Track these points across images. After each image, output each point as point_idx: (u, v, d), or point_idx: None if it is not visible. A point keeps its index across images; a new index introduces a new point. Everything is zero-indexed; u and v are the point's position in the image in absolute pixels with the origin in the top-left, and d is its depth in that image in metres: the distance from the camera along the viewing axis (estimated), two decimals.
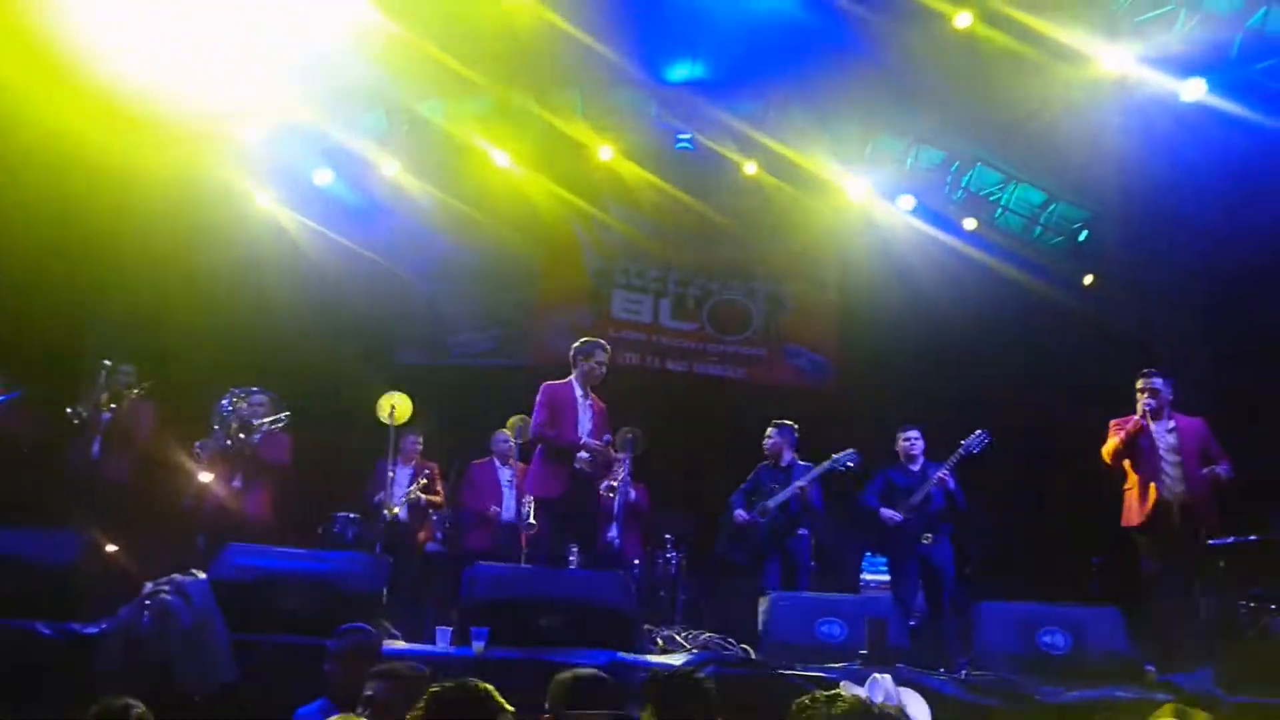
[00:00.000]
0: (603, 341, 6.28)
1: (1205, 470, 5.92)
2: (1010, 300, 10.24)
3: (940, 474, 6.62)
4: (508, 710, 2.60)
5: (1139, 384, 6.09)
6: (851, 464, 6.90)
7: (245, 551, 5.13)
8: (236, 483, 6.55)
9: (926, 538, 6.68)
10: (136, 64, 7.19)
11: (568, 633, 4.97)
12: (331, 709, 3.66)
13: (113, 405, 6.82)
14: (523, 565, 5.80)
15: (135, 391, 6.97)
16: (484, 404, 9.28)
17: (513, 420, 7.75)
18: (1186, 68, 7.87)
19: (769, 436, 7.17)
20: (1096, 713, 4.43)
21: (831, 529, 8.29)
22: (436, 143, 9.87)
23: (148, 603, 4.45)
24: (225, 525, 6.21)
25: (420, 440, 7.98)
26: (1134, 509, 6.00)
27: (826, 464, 6.87)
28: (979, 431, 6.68)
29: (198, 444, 6.58)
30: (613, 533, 7.63)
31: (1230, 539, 7.20)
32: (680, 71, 9.42)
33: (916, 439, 6.91)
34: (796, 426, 7.22)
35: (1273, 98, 7.77)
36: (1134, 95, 8.15)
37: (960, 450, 6.65)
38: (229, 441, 6.41)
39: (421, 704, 2.56)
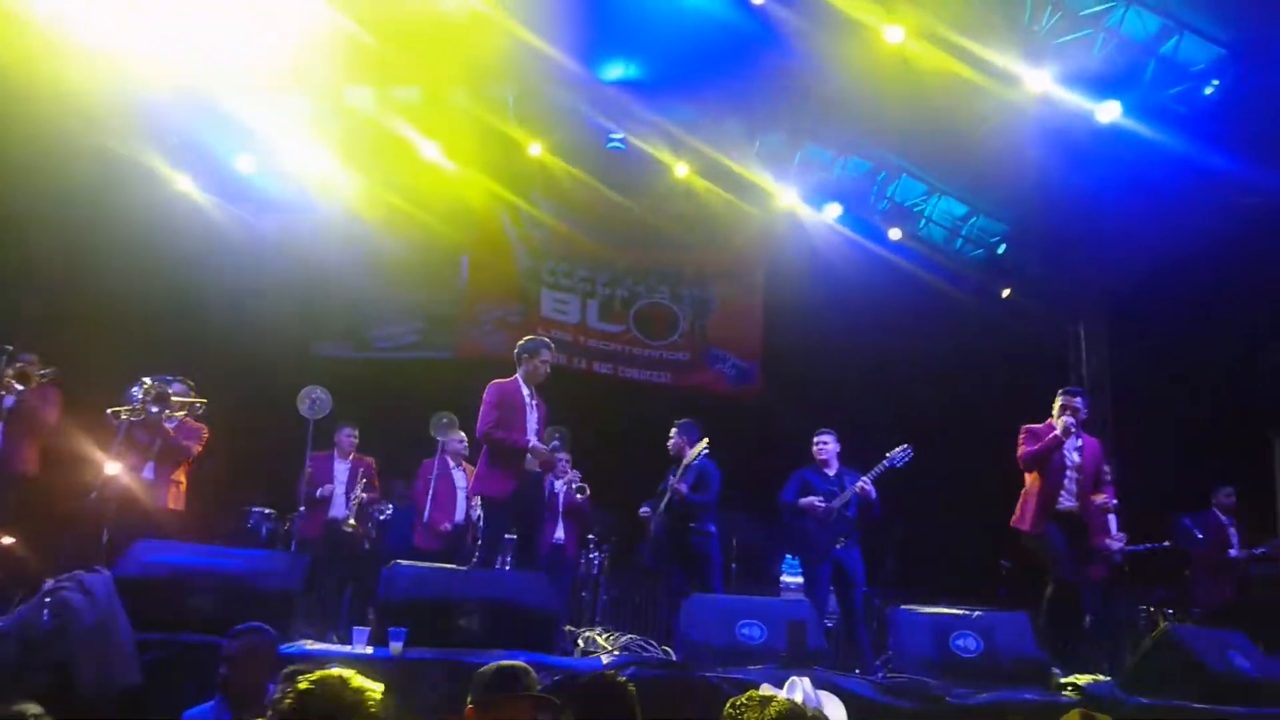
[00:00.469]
0: (548, 340, 6.22)
1: (1099, 501, 6.32)
2: (932, 309, 10.49)
3: (862, 483, 6.70)
4: (375, 696, 2.54)
5: (1061, 400, 6.26)
6: (902, 462, 6.88)
7: (154, 548, 4.94)
8: (147, 474, 6.30)
9: (840, 541, 6.75)
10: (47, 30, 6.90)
11: (487, 634, 4.90)
12: (224, 711, 3.55)
13: (19, 387, 6.47)
14: (443, 565, 5.70)
15: (41, 374, 6.64)
16: (406, 397, 9.14)
17: (435, 417, 7.64)
18: (1103, 90, 8.16)
19: (670, 436, 7.20)
20: (1006, 714, 4.54)
21: (752, 530, 8.39)
22: (364, 132, 9.68)
23: (48, 600, 4.24)
24: (133, 519, 5.96)
25: (355, 433, 7.78)
26: (1031, 515, 6.20)
27: (881, 465, 6.84)
28: (904, 446, 6.78)
29: (110, 410, 6.23)
30: (559, 532, 7.59)
31: (1130, 547, 7.50)
32: (614, 71, 9.41)
33: (828, 443, 6.97)
34: (697, 423, 7.25)
35: (1182, 122, 8.10)
36: (1053, 115, 8.41)
37: (884, 463, 6.74)
38: (140, 419, 6.12)
39: (289, 696, 2.47)
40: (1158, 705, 4.97)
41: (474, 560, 6.10)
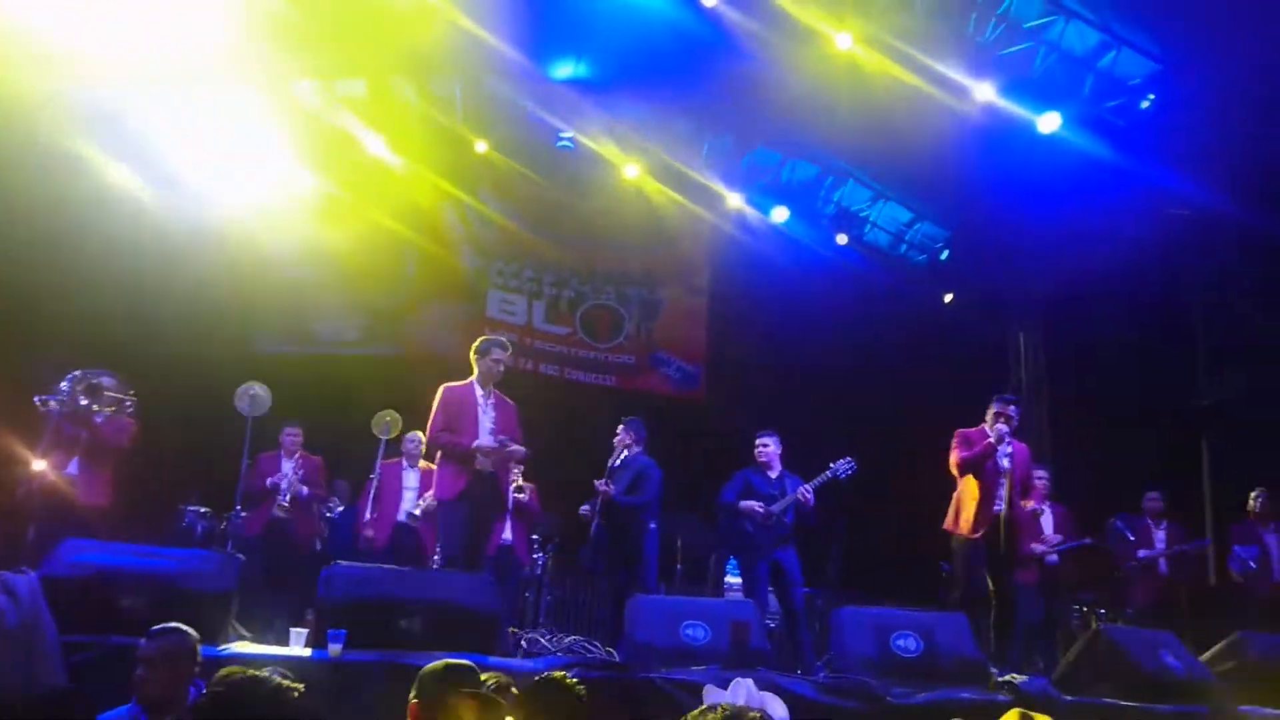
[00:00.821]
0: (502, 339, 6.18)
1: (1029, 507, 6.54)
2: (877, 313, 10.61)
3: (802, 491, 6.75)
4: (291, 696, 2.51)
5: (996, 408, 6.39)
6: (846, 474, 6.93)
7: (82, 547, 4.78)
8: (73, 469, 6.09)
9: (778, 544, 6.79)
10: None
11: (428, 635, 4.83)
12: (140, 715, 3.44)
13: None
14: (384, 565, 5.61)
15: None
16: (352, 395, 8.99)
17: (378, 416, 7.53)
18: (1044, 101, 8.33)
19: (617, 434, 7.19)
20: (944, 713, 4.60)
21: (696, 530, 8.40)
22: (308, 125, 9.51)
23: None
24: (59, 516, 5.76)
25: (298, 432, 7.61)
26: (968, 519, 6.33)
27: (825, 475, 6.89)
28: (848, 459, 6.83)
29: (38, 398, 6.01)
30: (506, 533, 7.52)
31: (1059, 547, 7.66)
32: (563, 70, 9.36)
33: (769, 445, 7.00)
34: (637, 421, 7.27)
35: (1118, 134, 8.31)
36: (996, 124, 8.57)
37: (827, 473, 6.80)
38: (68, 411, 5.92)
39: (205, 696, 2.44)
40: (1090, 703, 5.09)
41: (433, 562, 6.03)
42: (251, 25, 7.55)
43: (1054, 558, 7.43)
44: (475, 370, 6.02)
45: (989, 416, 6.40)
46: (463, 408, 5.88)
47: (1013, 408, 6.39)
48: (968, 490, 6.38)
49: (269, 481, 7.29)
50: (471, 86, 9.65)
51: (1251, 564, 7.64)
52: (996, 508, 6.30)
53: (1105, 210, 8.49)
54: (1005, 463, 6.35)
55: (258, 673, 2.59)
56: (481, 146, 9.87)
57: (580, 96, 9.72)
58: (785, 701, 4.23)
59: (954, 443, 6.48)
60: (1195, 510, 8.54)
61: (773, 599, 7.19)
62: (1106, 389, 9.34)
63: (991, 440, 6.26)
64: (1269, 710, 5.08)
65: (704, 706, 2.67)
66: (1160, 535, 7.81)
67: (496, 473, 5.96)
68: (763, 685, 4.23)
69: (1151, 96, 8.31)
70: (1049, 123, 8.34)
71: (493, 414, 5.94)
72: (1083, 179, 8.48)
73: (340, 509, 7.81)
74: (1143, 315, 9.05)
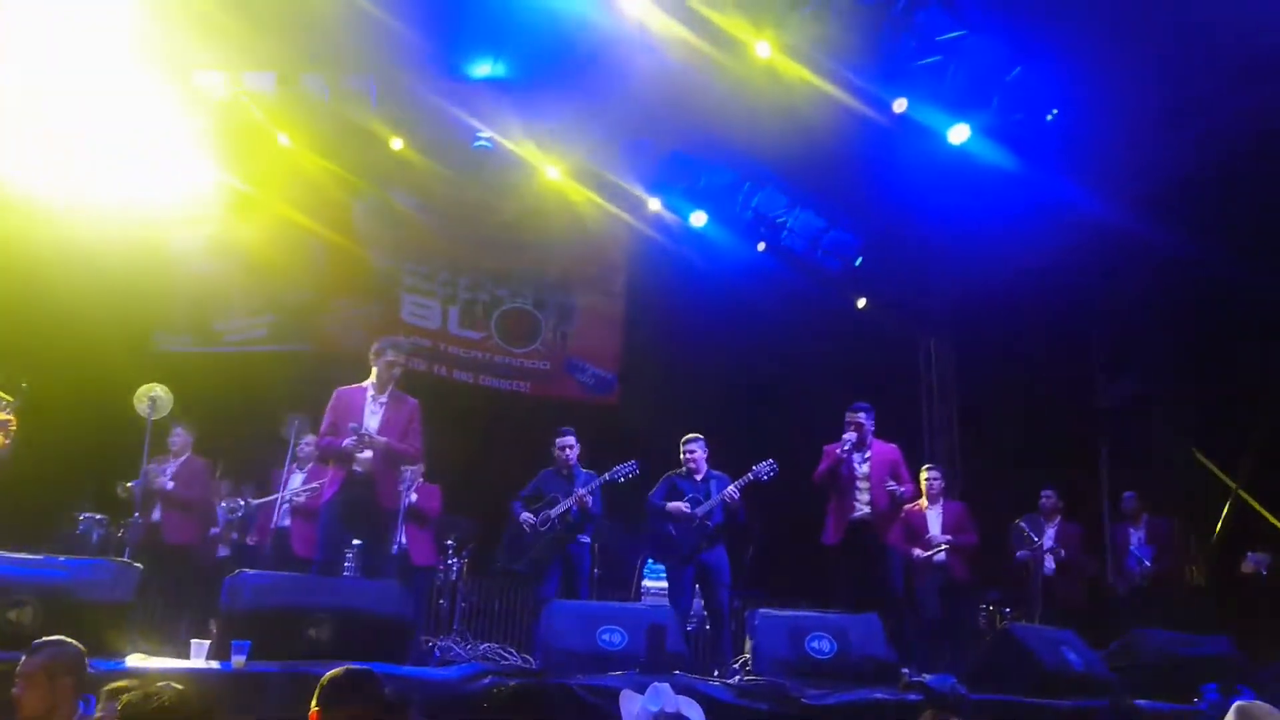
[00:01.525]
0: (397, 339, 6.09)
1: (886, 487, 6.63)
2: (792, 319, 10.74)
3: (727, 492, 6.79)
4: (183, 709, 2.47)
5: (846, 417, 6.73)
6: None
7: None
8: None
9: (704, 546, 6.83)
10: None
11: (337, 644, 4.70)
12: None
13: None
14: (292, 573, 5.45)
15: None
16: (259, 395, 8.72)
17: (289, 419, 7.32)
18: (954, 113, 8.54)
19: (566, 445, 7.14)
20: (858, 714, 4.66)
21: (616, 536, 8.38)
22: (212, 114, 9.18)
23: None
24: None
25: (183, 432, 7.31)
26: (830, 528, 6.70)
27: (745, 479, 6.90)
28: (770, 461, 6.91)
29: None
30: (398, 535, 7.34)
31: (946, 546, 7.84)
32: (481, 68, 9.22)
33: (695, 450, 7.05)
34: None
35: (1024, 146, 8.57)
36: (909, 134, 8.75)
37: (749, 475, 6.87)
38: None
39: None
40: (996, 700, 5.22)
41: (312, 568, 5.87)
42: (154, 11, 7.26)
43: (941, 556, 7.56)
44: (373, 369, 5.91)
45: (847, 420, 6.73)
46: (349, 409, 5.76)
47: (862, 414, 6.73)
48: (830, 500, 6.75)
49: (134, 485, 6.94)
50: (386, 83, 9.43)
51: (1147, 562, 7.97)
52: (860, 513, 6.60)
53: (1011, 220, 8.75)
54: (865, 467, 6.66)
55: (150, 688, 2.51)
56: (397, 144, 9.67)
57: (498, 96, 9.59)
58: (701, 705, 4.25)
59: (823, 457, 6.82)
60: (1095, 510, 8.85)
61: (697, 601, 7.23)
62: (1013, 392, 9.63)
63: (838, 452, 6.60)
64: (1164, 704, 5.28)
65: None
66: (1050, 533, 8.07)
67: (376, 475, 5.81)
68: (680, 689, 4.24)
69: (1055, 111, 8.59)
70: (958, 134, 8.56)
71: (381, 414, 5.81)
72: (991, 189, 8.72)
73: (241, 507, 7.55)
74: (1047, 321, 9.36)
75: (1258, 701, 2.52)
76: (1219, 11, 6.86)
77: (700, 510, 6.75)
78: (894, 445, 6.90)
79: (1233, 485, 8.44)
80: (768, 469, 6.86)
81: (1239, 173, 7.64)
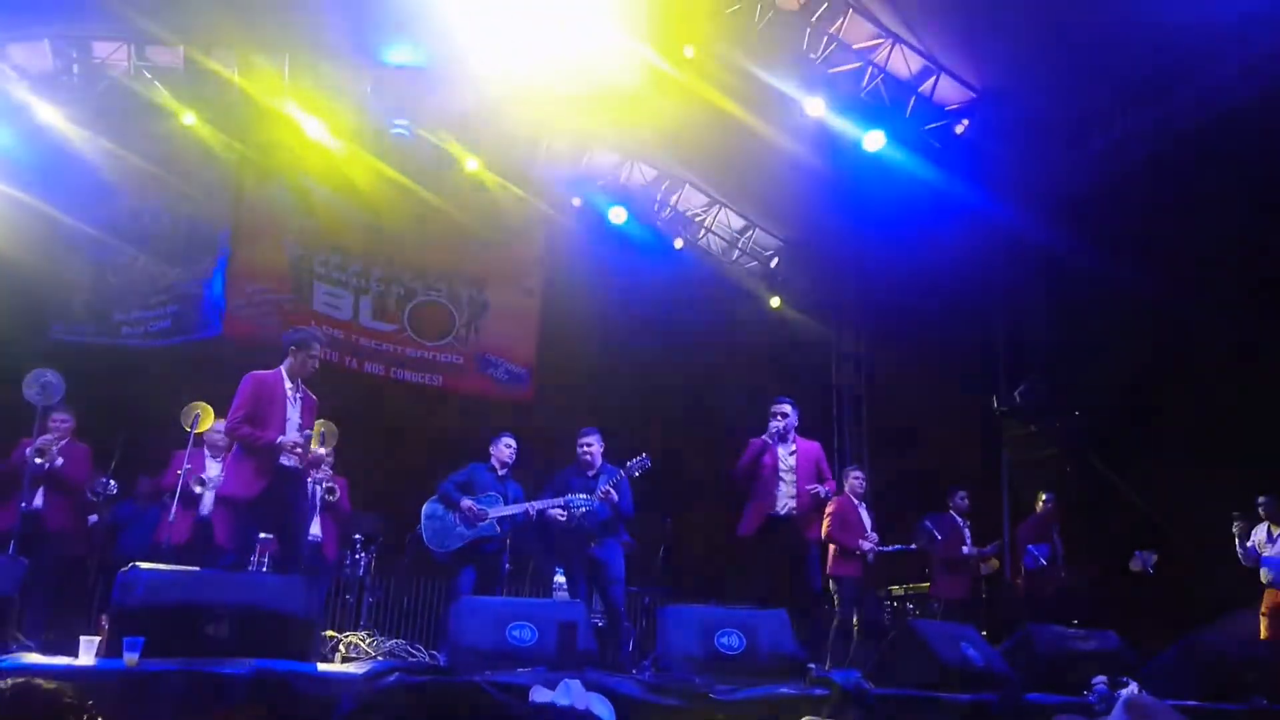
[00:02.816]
0: (319, 333, 5.87)
1: (809, 488, 6.56)
2: (709, 317, 10.83)
3: (603, 489, 6.79)
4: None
5: (772, 408, 6.67)
6: (584, 510, 6.89)
7: None
8: None
9: (592, 540, 6.81)
10: None
11: (236, 641, 4.55)
12: None
13: None
14: (189, 568, 5.25)
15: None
16: (156, 383, 8.40)
17: (187, 408, 7.04)
18: (870, 120, 8.72)
19: (590, 443, 7.06)
20: (765, 708, 4.71)
21: (525, 532, 8.32)
22: (115, 92, 8.82)
23: None
24: None
25: (67, 418, 6.96)
26: (748, 520, 6.56)
27: (560, 502, 6.82)
28: (642, 456, 6.91)
29: None
30: (315, 530, 7.16)
31: (880, 547, 8.03)
32: (400, 55, 9.05)
33: (592, 445, 7.03)
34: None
35: (936, 155, 8.80)
36: (826, 140, 8.91)
37: (623, 471, 6.89)
38: None
39: None
40: (897, 694, 5.34)
41: (223, 564, 5.68)
42: None
43: (870, 557, 7.75)
44: (285, 361, 5.71)
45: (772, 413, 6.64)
46: (272, 399, 5.55)
47: (787, 406, 6.67)
48: (747, 493, 6.63)
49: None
50: (302, 65, 9.18)
51: (1043, 560, 8.27)
52: (779, 507, 6.49)
53: (923, 226, 8.96)
54: (790, 460, 6.58)
55: (34, 682, 2.39)
56: (312, 129, 9.41)
57: (416, 84, 9.43)
58: (611, 700, 4.24)
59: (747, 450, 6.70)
60: (996, 509, 9.14)
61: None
62: (921, 395, 9.88)
63: (764, 439, 6.50)
64: (1054, 697, 5.47)
65: None
66: (968, 533, 8.33)
67: (302, 470, 5.67)
68: (590, 686, 4.22)
69: (966, 122, 8.84)
70: (874, 141, 8.74)
71: (299, 408, 5.65)
72: (903, 196, 8.91)
73: (110, 485, 7.24)
74: (955, 325, 9.61)
75: (1144, 695, 2.63)
76: (1118, 33, 7.15)
77: (577, 508, 6.72)
78: (816, 443, 6.90)
79: (1123, 486, 8.80)
80: (638, 465, 6.88)
81: (1135, 186, 7.97)
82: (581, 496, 6.73)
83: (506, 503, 6.89)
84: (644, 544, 7.79)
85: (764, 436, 6.54)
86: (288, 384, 5.62)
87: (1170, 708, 2.54)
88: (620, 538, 6.93)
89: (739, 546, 6.71)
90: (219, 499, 6.86)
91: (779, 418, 6.61)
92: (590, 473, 6.92)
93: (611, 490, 6.72)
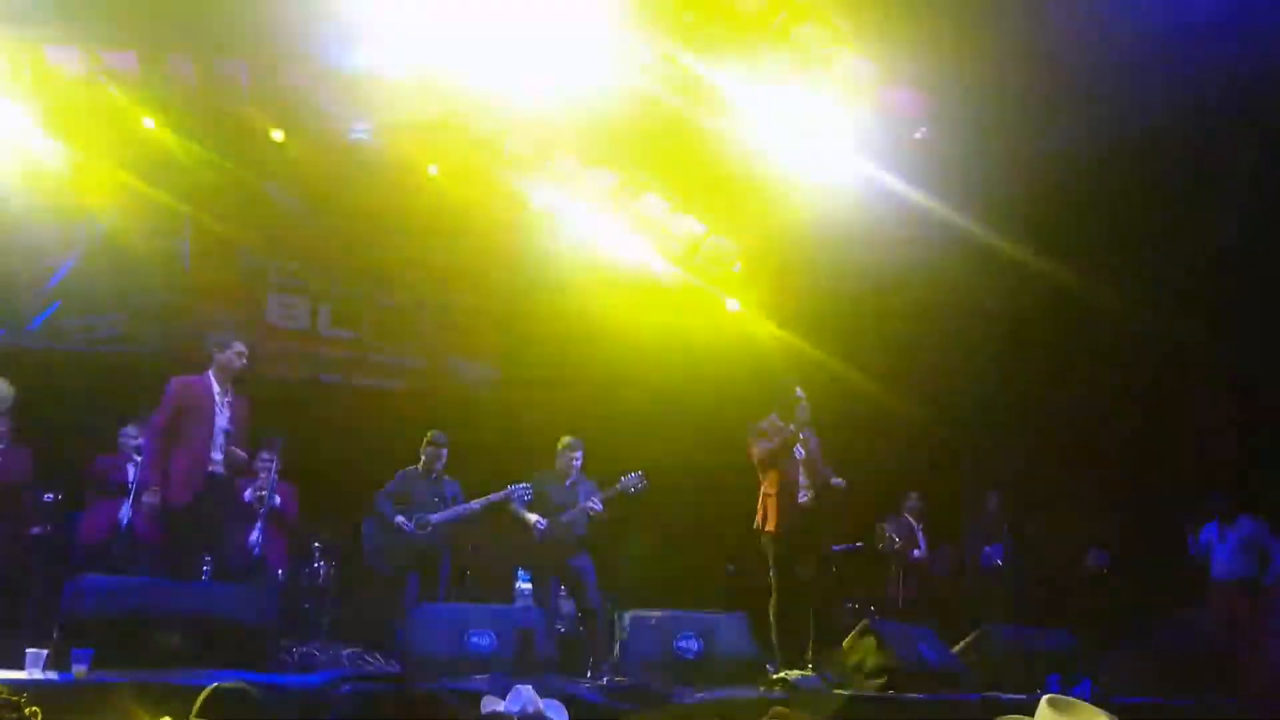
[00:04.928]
0: (239, 334, 5.80)
1: (836, 481, 6.34)
2: (669, 321, 10.85)
3: (591, 504, 6.81)
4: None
5: (798, 392, 6.38)
6: (527, 498, 6.93)
7: None
8: None
9: (571, 553, 6.85)
10: None
11: (191, 651, 4.52)
12: None
13: None
14: (138, 577, 5.19)
15: None
16: (105, 395, 8.28)
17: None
18: (831, 127, 8.77)
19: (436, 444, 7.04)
20: (721, 712, 4.74)
21: (489, 539, 8.30)
22: (69, 94, 8.68)
23: None
24: None
25: (4, 421, 6.83)
26: (772, 514, 6.27)
27: (501, 494, 6.85)
28: (638, 474, 6.96)
29: None
30: (254, 537, 7.08)
31: (841, 546, 8.12)
32: (360, 57, 8.98)
33: (577, 457, 7.05)
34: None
35: (892, 161, 8.87)
36: (784, 146, 8.95)
37: (618, 486, 6.92)
38: None
39: None
40: (857, 695, 5.40)
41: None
42: None
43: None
44: (211, 363, 5.65)
45: (782, 406, 6.35)
46: (198, 405, 5.49)
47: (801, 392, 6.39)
48: (771, 485, 6.29)
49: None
50: (261, 68, 9.09)
51: (997, 559, 8.39)
52: (801, 498, 6.24)
53: (880, 231, 9.03)
54: (802, 450, 6.35)
55: None
56: (278, 135, 9.30)
57: (378, 87, 9.37)
58: (569, 706, 4.25)
59: (750, 438, 6.41)
60: (951, 510, 9.24)
61: (567, 603, 7.22)
62: (876, 398, 9.94)
63: (792, 428, 6.21)
64: (1004, 694, 5.55)
65: None
66: (921, 536, 8.43)
67: (231, 477, 5.61)
68: (548, 691, 4.23)
69: (924, 130, 8.93)
70: (831, 145, 8.78)
71: (229, 413, 5.59)
72: (862, 201, 8.96)
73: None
74: (915, 326, 9.69)
75: (1065, 695, 2.69)
76: (1069, 34, 7.25)
77: (564, 517, 6.79)
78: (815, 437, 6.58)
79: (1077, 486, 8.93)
80: (636, 482, 6.92)
81: (1084, 192, 8.09)
82: (523, 485, 6.79)
83: (445, 504, 6.91)
84: (607, 549, 7.79)
85: (791, 428, 6.20)
86: (216, 388, 5.56)
87: (1088, 703, 2.60)
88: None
89: (768, 545, 6.35)
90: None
91: (803, 403, 6.30)
92: (568, 482, 6.96)
93: (598, 505, 6.76)
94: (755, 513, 6.46)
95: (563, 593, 7.14)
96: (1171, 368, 8.15)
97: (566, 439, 7.10)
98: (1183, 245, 7.71)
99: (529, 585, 8.62)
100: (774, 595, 6.18)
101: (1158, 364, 8.25)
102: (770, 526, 6.29)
